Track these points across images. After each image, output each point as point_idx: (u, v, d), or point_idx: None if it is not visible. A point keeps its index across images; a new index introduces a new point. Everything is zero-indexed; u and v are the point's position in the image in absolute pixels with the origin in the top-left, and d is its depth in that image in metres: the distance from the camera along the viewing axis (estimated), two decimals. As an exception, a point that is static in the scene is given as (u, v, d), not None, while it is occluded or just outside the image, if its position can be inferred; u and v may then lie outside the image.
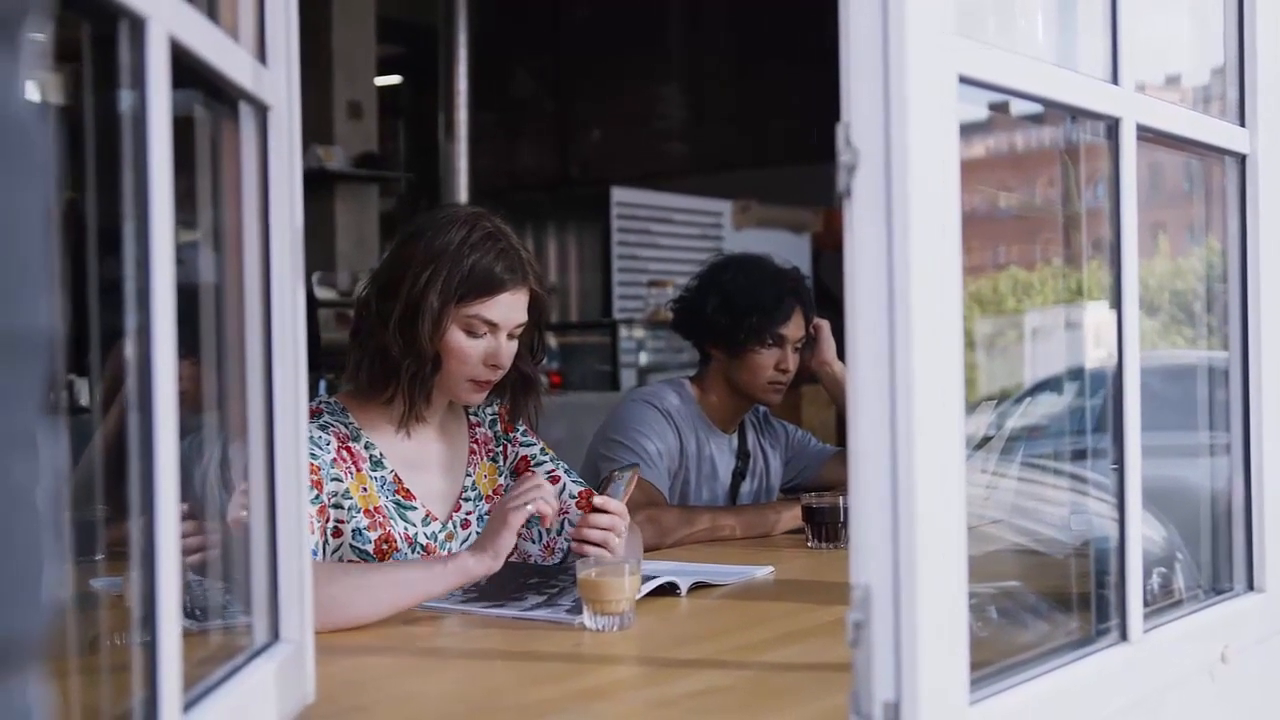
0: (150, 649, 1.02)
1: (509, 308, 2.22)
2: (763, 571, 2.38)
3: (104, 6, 0.97)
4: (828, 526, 2.68)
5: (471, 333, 2.21)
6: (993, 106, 1.49)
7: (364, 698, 1.61)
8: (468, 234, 2.20)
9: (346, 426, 2.24)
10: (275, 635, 1.39)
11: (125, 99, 1.03)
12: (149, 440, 1.02)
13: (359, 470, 2.21)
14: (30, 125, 0.58)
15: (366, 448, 2.25)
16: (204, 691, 1.18)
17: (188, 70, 1.12)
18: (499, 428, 2.44)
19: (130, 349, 1.03)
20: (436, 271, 2.17)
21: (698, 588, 2.21)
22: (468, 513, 2.35)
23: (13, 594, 0.56)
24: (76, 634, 1.24)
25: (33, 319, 0.57)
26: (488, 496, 2.38)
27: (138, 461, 1.02)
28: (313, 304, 4.89)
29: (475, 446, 2.40)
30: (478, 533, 2.31)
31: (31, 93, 0.59)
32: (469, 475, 2.37)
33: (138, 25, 1.00)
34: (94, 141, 1.05)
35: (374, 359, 2.22)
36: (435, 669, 1.76)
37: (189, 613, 1.27)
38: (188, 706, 1.10)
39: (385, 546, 2.19)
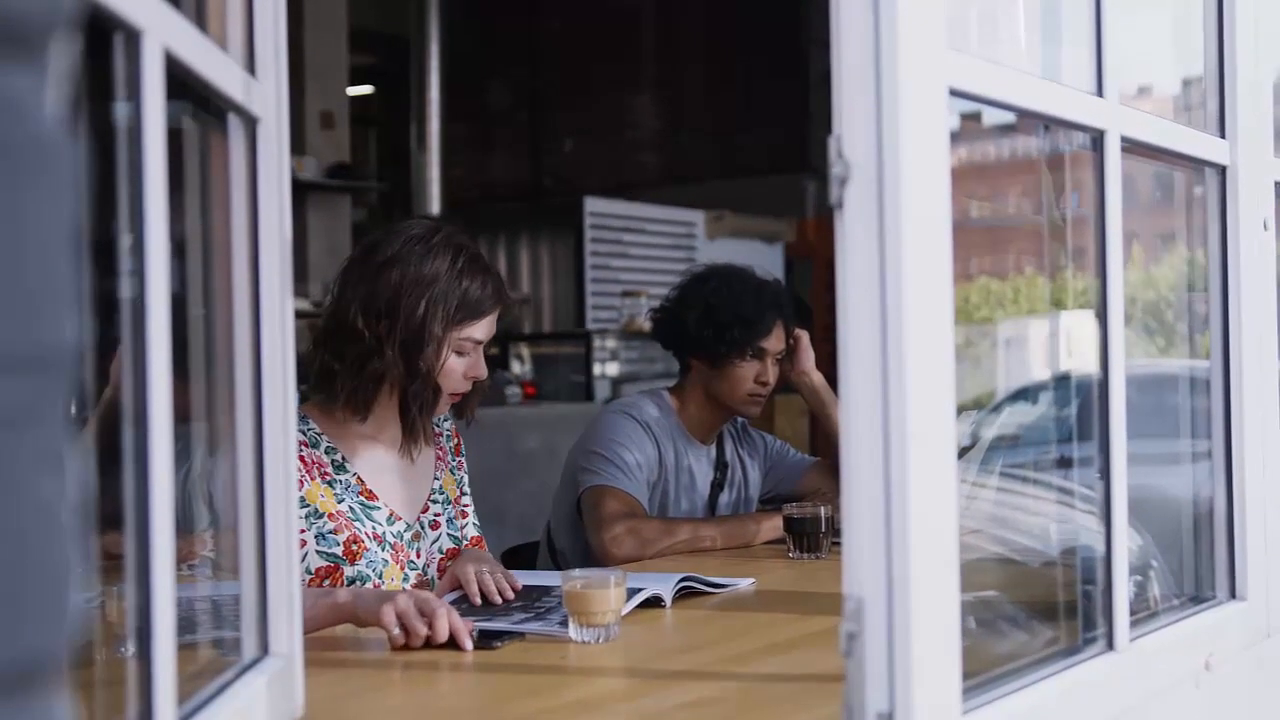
0: (145, 664, 1.02)
1: (491, 325, 2.34)
2: (746, 583, 2.38)
3: (99, 18, 0.96)
4: (809, 537, 2.68)
5: (460, 353, 2.30)
6: (964, 115, 1.50)
7: (352, 711, 1.60)
8: (454, 259, 2.28)
9: (305, 433, 2.28)
10: (265, 650, 1.38)
11: (119, 110, 1.02)
12: (143, 453, 1.01)
13: (314, 479, 2.25)
14: (57, 143, 0.58)
15: (328, 453, 2.30)
16: (195, 707, 1.18)
17: (178, 82, 1.12)
18: (451, 444, 2.53)
19: (124, 361, 1.02)
20: (434, 301, 2.25)
21: (684, 595, 2.21)
22: (436, 514, 2.42)
23: (42, 611, 0.56)
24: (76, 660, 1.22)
25: (59, 336, 0.57)
26: (454, 501, 2.46)
27: (132, 475, 1.02)
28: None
29: (440, 453, 2.48)
30: (448, 534, 2.41)
31: (57, 110, 0.59)
32: (436, 479, 2.44)
33: (133, 37, 1.00)
34: (86, 153, 1.04)
35: (370, 383, 2.27)
36: (422, 683, 1.75)
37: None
38: (181, 722, 1.09)
39: (354, 547, 2.24)
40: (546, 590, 2.21)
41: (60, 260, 0.57)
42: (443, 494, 2.44)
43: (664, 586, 2.17)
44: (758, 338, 3.02)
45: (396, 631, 1.84)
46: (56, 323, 0.57)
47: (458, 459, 2.53)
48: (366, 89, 9.99)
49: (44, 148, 0.57)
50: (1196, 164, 1.86)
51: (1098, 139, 1.55)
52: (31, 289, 0.55)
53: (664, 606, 2.14)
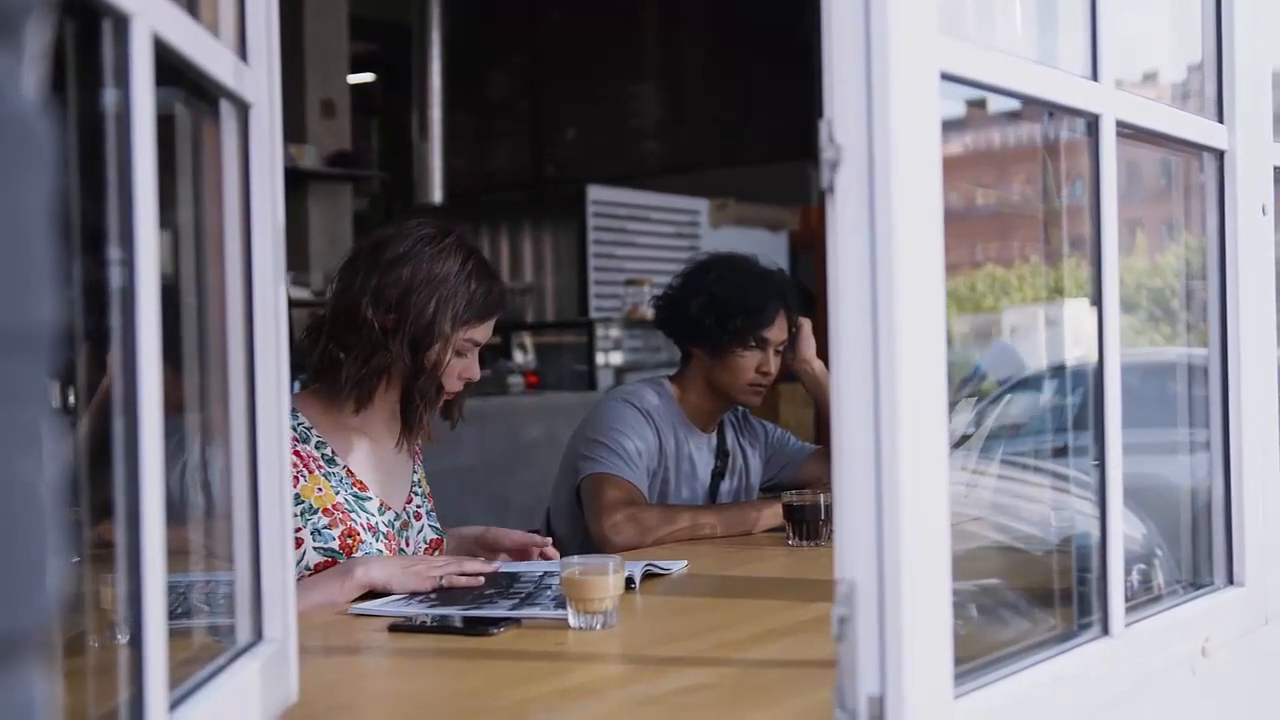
0: (136, 649, 1.02)
1: (490, 329, 2.39)
2: (677, 566, 2.41)
3: (88, 3, 0.96)
4: (808, 524, 2.68)
5: (460, 353, 2.34)
6: (970, 103, 1.50)
7: (347, 698, 1.60)
8: (464, 261, 2.33)
9: (295, 428, 2.29)
10: (259, 635, 1.39)
11: (108, 96, 1.02)
12: (134, 441, 1.01)
13: (311, 472, 2.27)
14: (33, 122, 0.58)
15: (317, 447, 2.32)
16: (188, 691, 1.18)
17: (169, 68, 1.12)
18: (420, 442, 2.56)
19: (112, 350, 1.02)
20: (444, 300, 2.29)
21: (649, 577, 2.27)
22: (417, 506, 2.47)
23: (19, 588, 0.56)
24: (57, 634, 1.23)
25: (38, 314, 0.57)
26: (428, 495, 2.52)
27: (122, 463, 1.02)
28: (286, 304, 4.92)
29: (418, 449, 2.52)
30: (430, 525, 2.47)
31: (33, 90, 0.59)
32: (415, 472, 2.50)
33: (121, 23, 1.00)
34: (74, 139, 1.04)
35: (374, 376, 2.30)
36: (418, 669, 1.75)
37: (171, 612, 1.26)
38: (173, 706, 1.10)
39: (350, 541, 2.27)
40: (515, 577, 2.23)
41: (37, 240, 0.57)
42: (420, 488, 2.50)
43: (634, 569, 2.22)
44: (760, 327, 3.02)
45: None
46: (33, 302, 0.57)
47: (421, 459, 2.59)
48: (368, 77, 9.98)
49: (19, 128, 0.57)
50: (1194, 149, 1.86)
51: (1092, 123, 1.54)
52: (7, 268, 0.56)
53: (634, 589, 2.16)
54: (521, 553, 2.45)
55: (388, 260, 2.30)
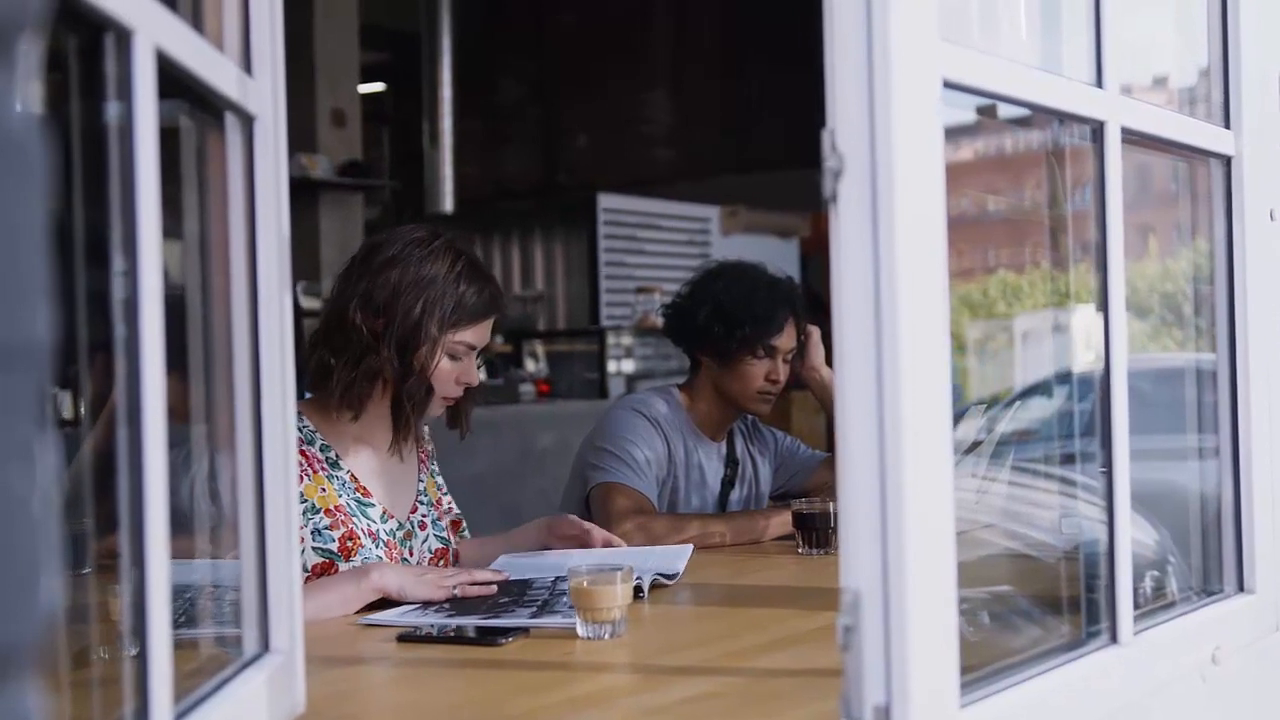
0: (141, 661, 1.02)
1: (484, 332, 2.38)
2: (685, 554, 2.43)
3: (91, 18, 0.96)
4: (818, 532, 2.68)
5: (453, 356, 2.34)
6: (980, 110, 1.49)
7: (354, 708, 1.60)
8: (453, 263, 2.33)
9: (300, 430, 2.31)
10: (265, 646, 1.39)
11: (111, 109, 1.02)
12: (138, 452, 1.02)
13: (315, 473, 2.29)
14: (27, 137, 0.58)
15: (322, 450, 2.33)
16: (194, 703, 1.18)
17: (173, 80, 1.12)
18: (431, 447, 2.58)
19: (118, 361, 1.02)
20: (431, 301, 2.29)
21: (657, 587, 2.26)
22: (423, 515, 2.47)
23: (13, 602, 0.56)
24: (64, 646, 1.23)
25: (30, 330, 0.57)
26: (435, 503, 2.51)
27: (127, 475, 1.02)
28: (297, 314, 4.94)
29: (423, 457, 2.53)
30: (435, 535, 2.47)
31: (28, 104, 0.59)
32: (421, 481, 2.49)
33: (124, 37, 1.00)
34: (79, 152, 1.04)
35: (365, 380, 2.30)
36: (426, 679, 1.75)
37: (176, 623, 1.27)
38: (178, 717, 1.10)
39: (350, 544, 2.28)
40: (528, 584, 2.23)
41: (31, 255, 0.58)
42: (426, 496, 2.50)
43: (658, 564, 2.24)
44: (768, 335, 3.01)
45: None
46: (28, 318, 0.57)
47: (434, 464, 2.58)
48: (378, 86, 9.99)
49: (13, 143, 0.57)
50: (1201, 155, 1.85)
51: (1097, 130, 1.54)
52: (1, 284, 0.56)
53: (643, 599, 2.16)
54: (581, 540, 2.48)
55: (378, 264, 2.32)
